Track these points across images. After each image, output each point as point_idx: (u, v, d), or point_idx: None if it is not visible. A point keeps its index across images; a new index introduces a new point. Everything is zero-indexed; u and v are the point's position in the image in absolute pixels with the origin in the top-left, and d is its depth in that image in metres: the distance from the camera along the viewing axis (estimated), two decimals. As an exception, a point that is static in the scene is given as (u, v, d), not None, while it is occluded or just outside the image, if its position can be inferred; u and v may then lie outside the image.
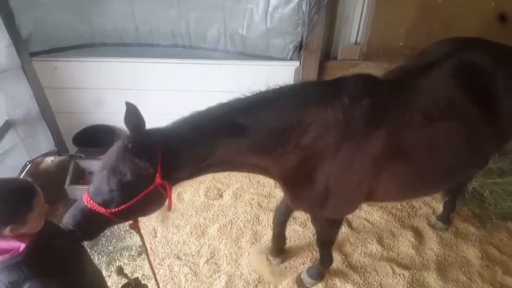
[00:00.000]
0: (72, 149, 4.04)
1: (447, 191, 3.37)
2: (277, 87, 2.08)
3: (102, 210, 1.79)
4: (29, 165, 3.87)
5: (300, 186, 2.24)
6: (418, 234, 3.52)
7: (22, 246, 1.55)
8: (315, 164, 2.12)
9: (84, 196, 1.82)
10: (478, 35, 2.70)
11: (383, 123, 2.10)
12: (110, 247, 3.45)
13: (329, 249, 3.00)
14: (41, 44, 3.58)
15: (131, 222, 2.01)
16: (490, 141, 2.40)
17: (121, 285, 2.08)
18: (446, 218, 3.52)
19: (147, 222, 3.67)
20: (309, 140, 2.04)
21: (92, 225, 1.85)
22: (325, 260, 3.09)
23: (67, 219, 1.81)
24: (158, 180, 1.80)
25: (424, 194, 3.16)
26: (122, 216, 1.86)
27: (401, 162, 2.20)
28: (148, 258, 2.37)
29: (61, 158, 4.09)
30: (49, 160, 4.07)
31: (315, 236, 2.95)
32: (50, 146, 4.01)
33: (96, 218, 1.82)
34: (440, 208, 3.63)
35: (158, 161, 1.79)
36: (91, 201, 1.80)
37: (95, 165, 3.94)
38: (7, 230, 1.50)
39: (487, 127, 2.30)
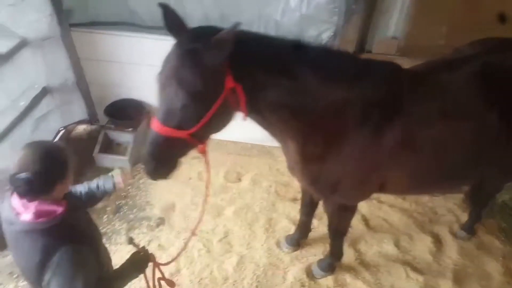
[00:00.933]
0: (103, 119, 4.19)
1: (472, 201, 3.23)
2: (328, 48, 2.04)
3: (179, 133, 1.67)
4: (63, 131, 4.05)
5: (314, 165, 2.20)
6: (437, 240, 3.40)
7: (59, 209, 1.63)
8: (332, 144, 2.08)
9: (155, 127, 1.69)
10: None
11: (399, 113, 2.04)
12: (131, 215, 3.59)
13: (340, 240, 2.97)
14: (80, 17, 3.71)
15: (201, 145, 1.83)
16: (509, 149, 2.28)
17: (132, 253, 2.14)
18: (470, 228, 3.38)
19: (167, 197, 3.79)
20: (331, 116, 1.99)
21: (170, 157, 1.79)
22: (336, 253, 3.06)
23: (145, 158, 1.76)
24: (230, 82, 1.65)
25: (434, 190, 3.11)
26: (199, 136, 1.75)
27: (414, 155, 2.15)
28: (207, 186, 2.24)
29: (92, 127, 4.26)
30: (81, 128, 4.26)
31: (327, 227, 2.91)
32: (83, 115, 4.18)
33: (173, 146, 1.73)
34: (464, 217, 3.48)
35: (226, 64, 1.63)
36: (165, 128, 1.67)
37: (123, 136, 4.09)
38: (55, 189, 1.60)
39: (506, 133, 2.18)
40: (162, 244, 3.33)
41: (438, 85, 2.17)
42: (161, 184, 3.90)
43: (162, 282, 2.39)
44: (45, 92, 3.70)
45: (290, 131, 2.08)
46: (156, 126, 1.69)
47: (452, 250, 3.31)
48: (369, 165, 2.16)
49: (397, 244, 3.36)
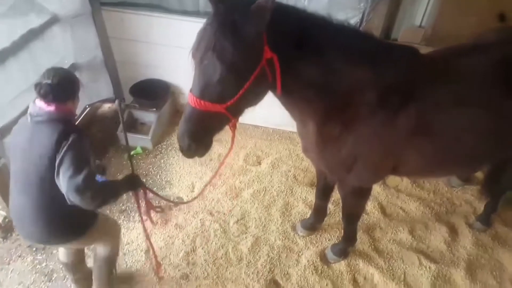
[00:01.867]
0: (128, 99, 4.28)
1: (489, 192, 3.23)
2: (355, 29, 2.07)
3: (216, 107, 1.66)
4: (88, 108, 4.16)
5: (332, 145, 2.25)
6: (453, 230, 3.42)
7: (74, 111, 2.23)
8: (351, 125, 2.12)
9: (191, 102, 1.69)
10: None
11: (415, 98, 2.07)
12: (150, 194, 3.67)
13: (353, 224, 3.00)
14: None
15: (232, 120, 1.83)
16: None
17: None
18: (486, 219, 3.38)
19: (187, 177, 3.88)
20: (351, 97, 2.02)
21: (205, 133, 1.80)
22: (349, 237, 3.11)
23: (181, 135, 1.77)
24: (267, 53, 1.62)
25: (445, 174, 3.14)
26: (235, 110, 1.74)
27: (428, 140, 2.18)
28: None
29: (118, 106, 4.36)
30: (106, 106, 4.37)
31: (341, 211, 2.96)
32: (109, 93, 4.26)
33: (209, 122, 1.73)
34: (481, 208, 3.47)
35: (263, 33, 1.60)
36: (201, 101, 1.66)
37: (147, 116, 4.18)
38: (68, 102, 2.11)
39: None
40: (179, 223, 3.43)
41: (455, 71, 2.18)
42: (182, 164, 4.00)
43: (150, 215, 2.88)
44: (73, 68, 3.79)
45: (312, 110, 2.09)
46: (192, 101, 1.68)
47: (466, 241, 3.32)
48: (384, 147, 2.19)
49: (412, 233, 3.39)
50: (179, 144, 1.84)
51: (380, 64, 2.00)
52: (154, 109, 4.13)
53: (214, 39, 1.58)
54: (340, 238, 3.29)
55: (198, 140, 1.79)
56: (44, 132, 2.03)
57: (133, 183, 2.40)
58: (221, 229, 3.39)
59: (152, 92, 4.14)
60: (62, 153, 1.98)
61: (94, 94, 4.15)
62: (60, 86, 2.03)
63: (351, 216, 2.90)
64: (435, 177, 3.68)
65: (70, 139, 2.00)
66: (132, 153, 4.04)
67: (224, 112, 1.70)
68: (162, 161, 4.05)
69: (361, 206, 2.81)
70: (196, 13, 3.76)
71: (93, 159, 2.21)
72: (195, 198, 2.95)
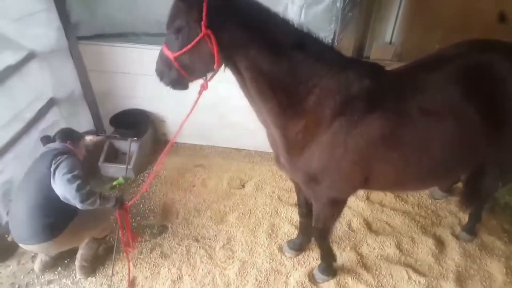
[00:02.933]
0: (109, 130, 4.28)
1: (468, 203, 3.24)
2: (316, 35, 2.10)
3: (168, 53, 2.02)
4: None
5: (298, 155, 2.27)
6: (440, 242, 3.40)
7: (74, 150, 3.01)
8: (312, 133, 2.15)
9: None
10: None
11: (379, 108, 2.12)
12: (133, 224, 3.63)
13: (326, 240, 2.98)
14: (87, 29, 3.84)
15: (202, 82, 2.20)
16: (491, 147, 2.35)
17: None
18: (471, 229, 3.38)
19: (170, 205, 3.84)
20: (311, 102, 2.08)
21: (168, 72, 2.11)
22: (326, 256, 3.09)
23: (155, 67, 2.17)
24: (203, 28, 1.87)
25: (417, 187, 3.12)
26: (184, 66, 2.04)
27: (395, 150, 2.21)
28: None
29: (98, 138, 4.34)
30: (87, 139, 4.34)
31: (313, 225, 2.90)
32: (89, 125, 4.27)
33: (169, 64, 2.07)
34: (466, 218, 3.48)
35: (203, 9, 1.84)
36: (164, 45, 2.06)
37: (128, 145, 4.17)
38: (71, 144, 3.01)
39: (488, 131, 2.24)
40: (165, 252, 3.37)
41: (419, 83, 2.24)
42: (165, 192, 3.98)
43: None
44: (51, 103, 3.81)
45: (267, 108, 2.16)
46: (163, 43, 2.09)
47: (454, 252, 3.31)
48: (350, 156, 2.20)
49: (399, 247, 3.37)
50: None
51: (343, 72, 2.07)
52: (135, 138, 4.13)
53: (171, 7, 1.98)
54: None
55: (162, 74, 2.16)
56: (46, 156, 2.82)
57: (120, 203, 2.87)
58: (207, 255, 3.34)
59: (132, 122, 4.15)
60: (58, 163, 2.70)
61: (74, 127, 4.12)
62: (69, 133, 3.13)
63: (323, 230, 2.85)
64: (411, 190, 3.69)
65: (62, 158, 2.74)
66: (114, 183, 4.03)
67: (173, 61, 2.03)
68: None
69: (333, 219, 2.79)
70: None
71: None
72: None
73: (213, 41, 1.91)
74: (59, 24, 3.55)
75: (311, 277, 3.17)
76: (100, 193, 2.73)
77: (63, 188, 2.61)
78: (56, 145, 2.94)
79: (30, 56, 3.50)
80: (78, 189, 2.58)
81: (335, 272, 3.14)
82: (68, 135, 3.05)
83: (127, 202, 2.96)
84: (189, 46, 1.95)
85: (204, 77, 2.21)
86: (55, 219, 2.76)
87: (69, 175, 2.63)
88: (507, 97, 2.25)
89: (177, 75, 2.12)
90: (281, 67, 2.01)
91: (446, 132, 2.21)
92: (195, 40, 1.92)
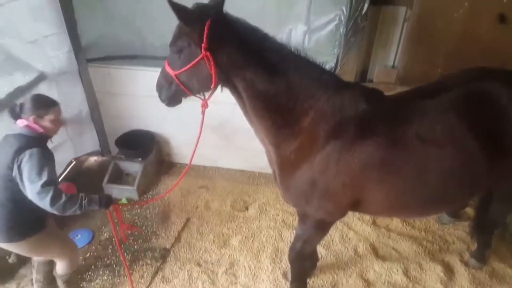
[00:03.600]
0: (114, 150, 4.30)
1: (478, 229, 3.18)
2: (312, 59, 2.18)
3: (169, 70, 2.14)
4: (74, 162, 4.17)
5: (290, 174, 2.28)
6: (448, 269, 3.30)
7: (41, 131, 2.46)
8: (305, 153, 2.16)
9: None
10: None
11: (374, 133, 2.12)
12: (136, 246, 3.59)
13: (300, 265, 2.91)
14: (96, 52, 3.94)
15: (203, 100, 2.31)
16: (494, 175, 2.32)
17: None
18: (481, 256, 3.28)
19: (172, 227, 3.80)
20: (306, 124, 2.12)
21: (168, 88, 2.22)
22: (294, 282, 3.03)
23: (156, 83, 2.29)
24: (203, 50, 1.95)
25: (412, 215, 3.10)
26: (184, 83, 2.14)
27: (389, 176, 2.19)
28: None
29: (103, 158, 4.37)
30: (93, 159, 4.38)
31: (289, 248, 2.88)
32: (95, 146, 4.31)
33: (170, 81, 2.18)
34: (475, 244, 3.38)
35: (204, 32, 1.92)
36: (166, 63, 2.17)
37: (132, 166, 4.19)
38: (31, 118, 2.40)
39: (489, 160, 2.20)
40: (166, 276, 3.30)
41: (417, 110, 2.23)
42: (168, 214, 3.94)
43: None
44: (59, 124, 3.86)
45: (267, 131, 2.23)
46: (166, 61, 2.20)
47: (463, 279, 3.20)
48: (341, 178, 2.19)
49: (406, 274, 3.27)
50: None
51: (339, 96, 2.10)
52: (140, 159, 4.14)
53: (176, 28, 2.09)
54: (333, 284, 3.20)
55: (162, 90, 2.28)
56: (9, 141, 2.41)
57: (105, 202, 2.56)
58: (210, 280, 3.26)
59: (138, 143, 4.18)
60: (19, 165, 2.31)
61: (80, 147, 4.18)
62: (30, 104, 2.45)
63: (300, 253, 2.77)
64: (408, 217, 3.62)
65: (28, 152, 2.32)
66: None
67: (174, 78, 2.14)
68: (147, 211, 3.98)
69: (314, 242, 2.77)
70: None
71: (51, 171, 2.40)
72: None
73: (211, 63, 2.00)
74: (70, 46, 3.65)
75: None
76: (81, 196, 2.41)
77: (31, 196, 2.29)
78: (19, 130, 2.43)
79: (40, 78, 3.58)
80: (45, 194, 2.25)
81: None
82: (32, 108, 2.44)
83: (115, 199, 2.71)
84: (189, 66, 2.05)
85: (203, 96, 2.31)
86: (18, 226, 2.48)
87: (34, 185, 2.26)
88: (508, 125, 2.23)
89: (175, 90, 2.23)
90: (277, 88, 2.08)
91: (444, 160, 2.17)
92: (195, 61, 2.02)
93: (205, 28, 1.91)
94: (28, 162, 2.29)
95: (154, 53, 3.91)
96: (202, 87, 2.21)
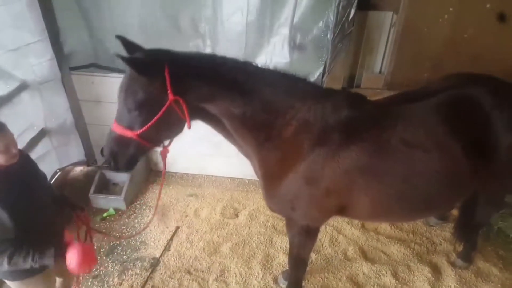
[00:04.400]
0: (100, 160, 4.22)
1: (461, 231, 3.25)
2: (283, 72, 2.17)
3: (129, 133, 1.96)
4: (59, 173, 4.07)
5: (275, 183, 2.29)
6: (436, 270, 3.37)
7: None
8: (290, 162, 2.18)
9: (112, 126, 2.02)
10: (507, 71, 2.67)
11: (358, 139, 2.15)
12: (124, 256, 3.54)
13: (299, 272, 2.96)
14: (79, 60, 3.87)
15: (161, 148, 2.20)
16: (478, 179, 2.37)
17: None
18: (467, 256, 3.36)
19: (162, 236, 3.76)
20: (289, 134, 2.13)
21: (126, 152, 2.05)
22: (294, 286, 3.05)
23: (104, 152, 2.08)
24: (170, 95, 1.88)
25: (399, 219, 3.16)
26: (149, 138, 2.01)
27: (374, 181, 2.22)
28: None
29: (89, 168, 4.29)
30: (78, 169, 4.28)
31: (288, 253, 2.93)
32: (80, 156, 4.21)
33: (127, 143, 2.01)
34: (461, 245, 3.46)
35: (165, 77, 1.86)
36: (118, 126, 1.98)
37: (119, 176, 4.12)
38: None
39: (473, 164, 2.25)
40: (156, 285, 3.27)
41: (402, 115, 2.26)
42: (157, 223, 3.89)
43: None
44: (43, 133, 3.77)
45: (250, 146, 2.23)
46: (113, 125, 2.02)
47: (450, 279, 3.27)
48: (325, 185, 2.21)
49: (395, 276, 3.32)
50: (103, 155, 2.13)
51: (319, 104, 2.12)
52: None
53: (125, 79, 1.96)
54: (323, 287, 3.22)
55: (119, 157, 2.08)
56: None
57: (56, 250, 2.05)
58: (200, 288, 3.24)
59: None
60: None
61: (65, 157, 4.09)
62: None
63: (297, 259, 2.84)
64: (394, 221, 3.68)
65: None
66: (104, 215, 3.94)
67: (136, 138, 1.99)
68: (136, 221, 3.93)
69: (307, 248, 2.78)
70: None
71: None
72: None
73: (182, 105, 1.94)
74: (52, 54, 3.56)
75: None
76: (30, 255, 1.95)
77: None
78: None
79: (22, 87, 3.49)
80: None
81: None
82: None
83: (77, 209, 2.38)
84: (157, 117, 1.92)
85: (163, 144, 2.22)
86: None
87: None
88: (491, 131, 2.28)
89: (136, 151, 2.08)
90: (253, 107, 2.07)
91: (429, 165, 2.21)
92: (163, 110, 1.91)
93: (166, 73, 1.85)
94: None
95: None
96: (173, 134, 2.14)
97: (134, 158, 2.14)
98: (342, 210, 2.38)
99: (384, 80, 3.63)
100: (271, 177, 2.31)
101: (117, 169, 2.14)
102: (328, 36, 3.43)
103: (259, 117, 2.10)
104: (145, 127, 1.94)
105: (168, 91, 1.87)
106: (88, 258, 2.08)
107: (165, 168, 2.34)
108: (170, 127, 2.05)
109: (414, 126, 2.22)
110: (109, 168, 2.16)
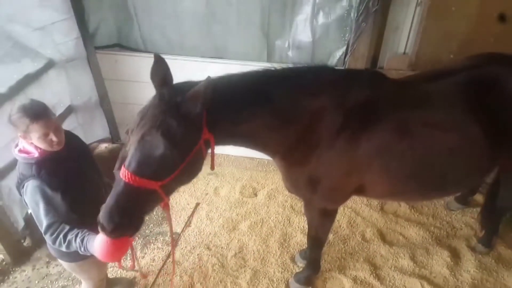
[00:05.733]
0: (125, 137, 4.33)
1: (486, 215, 3.19)
2: (301, 65, 2.16)
3: (151, 184, 1.62)
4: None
5: (296, 166, 2.30)
6: (455, 254, 3.35)
7: (36, 153, 2.02)
8: (313, 147, 2.17)
9: (125, 177, 1.61)
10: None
11: (379, 119, 2.13)
12: (147, 231, 3.67)
13: (318, 250, 2.99)
14: (104, 40, 3.95)
15: (165, 200, 1.80)
16: (496, 162, 2.34)
17: None
18: (487, 242, 3.31)
19: (183, 212, 3.86)
20: (311, 122, 2.11)
21: (134, 212, 1.69)
22: (312, 264, 3.09)
23: (108, 213, 1.64)
24: (205, 133, 1.71)
25: (417, 198, 3.14)
26: (169, 188, 1.74)
27: (393, 161, 2.20)
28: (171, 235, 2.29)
29: (114, 145, 4.40)
30: (103, 146, 4.40)
31: (306, 233, 2.97)
32: (105, 133, 4.34)
33: (140, 199, 1.65)
34: (482, 230, 3.42)
35: (203, 114, 1.70)
36: (136, 177, 1.59)
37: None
38: (18, 136, 1.99)
39: (493, 144, 2.21)
40: (177, 259, 3.37)
41: (421, 94, 2.23)
42: (178, 200, 4.00)
43: None
44: (69, 110, 3.88)
45: (273, 145, 2.20)
46: (127, 176, 1.61)
47: (470, 264, 3.24)
48: (347, 167, 2.22)
49: (413, 259, 3.32)
50: (103, 223, 1.67)
51: (337, 90, 2.10)
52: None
53: (158, 117, 1.63)
54: (340, 268, 3.26)
55: (127, 219, 1.68)
56: (17, 167, 2.13)
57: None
58: (219, 264, 3.33)
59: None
60: (24, 200, 2.06)
61: (90, 134, 4.21)
62: (18, 117, 1.93)
63: (316, 239, 2.87)
64: (412, 201, 3.66)
65: (25, 186, 2.02)
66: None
67: (158, 190, 1.67)
68: (158, 197, 4.04)
69: (326, 228, 2.80)
70: (182, 52, 3.94)
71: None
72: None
73: (212, 144, 1.80)
74: (78, 33, 3.63)
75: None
76: (77, 233, 1.97)
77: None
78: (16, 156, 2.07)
79: (49, 65, 3.58)
80: (46, 231, 2.01)
81: (309, 280, 3.12)
82: (13, 123, 1.95)
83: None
84: (187, 160, 1.68)
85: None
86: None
87: (40, 221, 2.01)
88: None
89: (151, 208, 1.79)
90: (276, 113, 2.01)
91: (448, 144, 2.19)
92: (194, 150, 1.71)
93: (203, 111, 1.67)
94: (26, 197, 2.03)
95: (155, 49, 3.90)
96: (192, 177, 1.87)
97: (142, 218, 1.77)
98: (360, 190, 2.39)
99: (408, 60, 3.52)
100: (293, 166, 2.32)
101: (125, 233, 1.74)
102: (352, 15, 3.36)
103: (283, 119, 2.05)
104: (175, 172, 1.66)
105: (204, 129, 1.70)
106: (116, 248, 1.81)
107: (172, 226, 2.09)
108: (194, 169, 1.83)
109: (434, 105, 2.20)
110: (110, 233, 1.70)
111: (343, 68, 2.33)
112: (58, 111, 3.77)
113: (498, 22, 3.10)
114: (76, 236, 1.95)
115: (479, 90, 2.22)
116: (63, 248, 2.01)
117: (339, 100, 2.10)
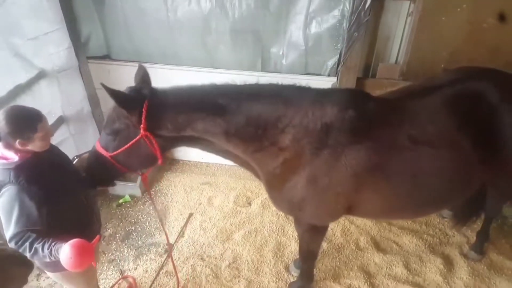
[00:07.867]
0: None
1: (463, 222, 3.24)
2: (269, 83, 2.21)
3: (104, 152, 2.15)
4: (76, 159, 4.14)
5: (278, 187, 2.30)
6: (448, 262, 3.37)
7: (15, 158, 1.95)
8: (293, 167, 2.17)
9: (96, 142, 2.25)
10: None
11: (365, 138, 2.11)
12: (139, 242, 3.63)
13: (310, 263, 3.00)
14: (96, 50, 3.95)
15: (141, 174, 2.43)
16: (484, 175, 2.36)
17: None
18: (479, 248, 3.35)
19: (176, 223, 3.83)
20: (287, 141, 2.11)
21: (101, 169, 2.22)
22: (306, 275, 3.09)
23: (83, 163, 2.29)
24: (142, 130, 2.02)
25: (409, 216, 3.15)
26: (121, 162, 2.18)
27: (382, 180, 2.20)
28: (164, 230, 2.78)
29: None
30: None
31: (298, 248, 2.99)
32: (96, 143, 4.29)
33: (103, 161, 2.17)
34: (474, 237, 3.45)
35: (143, 113, 1.99)
36: (98, 143, 2.19)
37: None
38: (16, 143, 1.90)
39: (481, 158, 2.24)
40: (170, 271, 3.34)
41: (407, 111, 2.24)
42: (171, 210, 3.97)
43: None
44: (61, 121, 3.84)
45: (244, 155, 2.25)
46: (96, 142, 2.24)
47: (462, 271, 3.27)
48: (332, 187, 2.19)
49: (407, 266, 3.33)
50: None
51: (317, 108, 2.08)
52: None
53: (112, 116, 2.14)
54: (335, 276, 3.26)
55: (97, 172, 2.26)
56: None
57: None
58: (213, 274, 3.31)
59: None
60: None
61: (82, 145, 4.16)
62: (14, 124, 1.89)
63: (308, 253, 2.87)
64: (403, 218, 3.64)
65: (2, 191, 1.94)
66: (120, 201, 4.03)
67: (110, 159, 2.16)
68: (151, 208, 4.01)
69: (316, 244, 2.80)
70: (175, 62, 3.96)
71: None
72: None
73: (153, 141, 2.08)
74: (70, 43, 3.61)
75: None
76: (43, 242, 1.90)
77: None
78: None
79: (41, 75, 3.54)
80: (11, 239, 1.94)
81: None
82: (16, 130, 1.89)
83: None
84: (125, 147, 2.10)
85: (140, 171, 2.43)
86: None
87: (7, 228, 1.95)
88: (498, 125, 2.26)
89: (111, 171, 2.24)
90: (235, 123, 2.07)
91: (438, 161, 2.19)
92: (132, 141, 2.08)
93: (144, 110, 1.98)
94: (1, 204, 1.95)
95: (149, 60, 3.93)
96: (144, 165, 2.33)
97: (109, 177, 2.34)
98: (350, 210, 2.38)
99: (400, 70, 3.57)
100: (275, 183, 2.32)
101: (92, 183, 2.32)
102: (344, 25, 3.40)
103: (246, 132, 2.11)
104: (116, 152, 2.12)
105: (141, 126, 2.01)
106: (82, 255, 1.83)
107: (151, 192, 2.48)
108: (141, 159, 2.20)
109: (421, 122, 2.20)
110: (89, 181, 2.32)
111: (328, 88, 2.33)
112: (50, 121, 3.73)
113: (498, 21, 3.09)
114: (43, 244, 1.92)
115: (465, 105, 2.25)
116: (28, 256, 1.97)
117: (319, 119, 2.08)
